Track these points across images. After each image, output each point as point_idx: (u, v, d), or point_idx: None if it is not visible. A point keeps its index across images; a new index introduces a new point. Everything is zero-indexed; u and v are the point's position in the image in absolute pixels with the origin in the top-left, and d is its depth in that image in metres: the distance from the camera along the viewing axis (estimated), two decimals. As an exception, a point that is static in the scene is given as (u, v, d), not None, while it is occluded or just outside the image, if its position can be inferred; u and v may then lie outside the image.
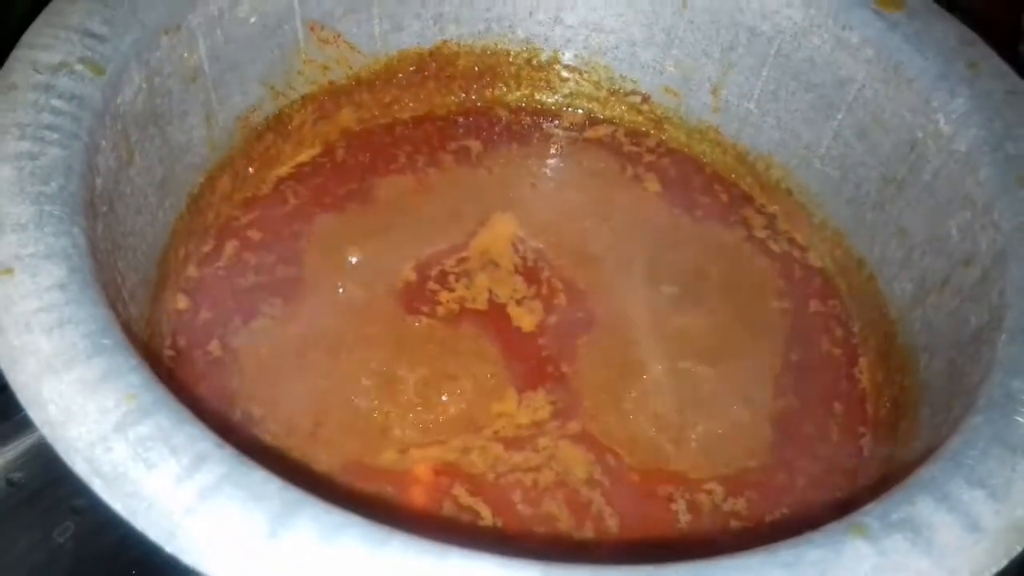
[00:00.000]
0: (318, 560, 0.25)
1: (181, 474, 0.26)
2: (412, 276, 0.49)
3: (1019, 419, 0.31)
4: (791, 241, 0.53)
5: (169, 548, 0.25)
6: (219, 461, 0.26)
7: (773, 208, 0.54)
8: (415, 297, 0.48)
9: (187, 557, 0.24)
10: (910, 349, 0.44)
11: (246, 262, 0.48)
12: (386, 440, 0.42)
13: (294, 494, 0.26)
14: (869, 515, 0.28)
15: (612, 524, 0.41)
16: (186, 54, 0.43)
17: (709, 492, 0.42)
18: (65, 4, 0.39)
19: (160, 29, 0.41)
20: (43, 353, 0.28)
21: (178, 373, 0.44)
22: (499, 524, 0.40)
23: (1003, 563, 0.28)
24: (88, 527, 0.46)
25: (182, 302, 0.46)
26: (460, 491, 0.41)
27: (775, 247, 0.52)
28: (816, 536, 0.27)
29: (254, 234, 0.50)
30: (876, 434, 0.44)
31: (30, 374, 0.27)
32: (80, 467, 0.26)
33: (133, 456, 0.26)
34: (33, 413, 0.27)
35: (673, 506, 0.42)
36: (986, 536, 0.28)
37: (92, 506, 0.46)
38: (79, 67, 0.37)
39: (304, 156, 0.54)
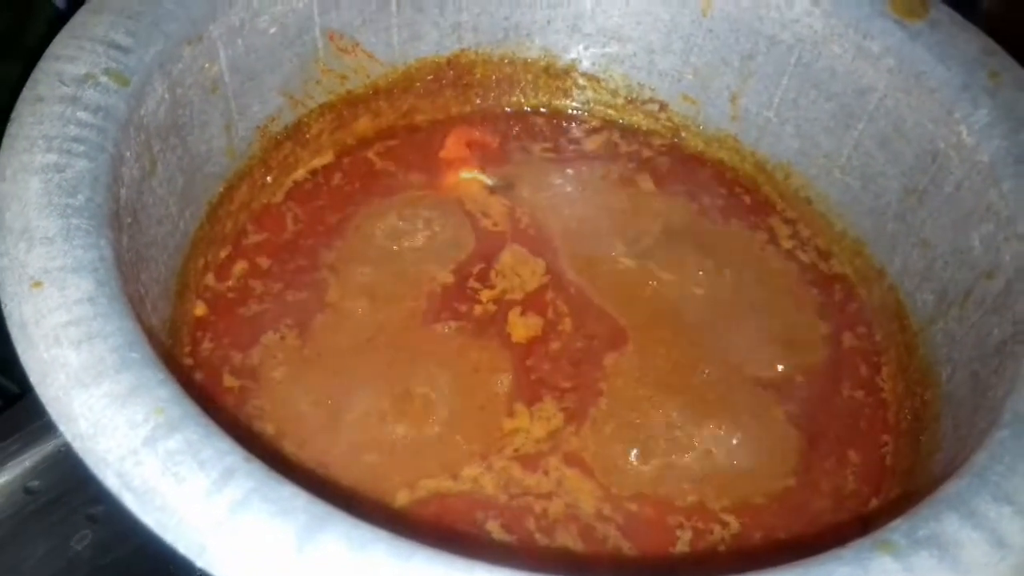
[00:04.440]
0: (345, 574, 0.25)
1: (210, 488, 0.26)
2: (433, 288, 0.49)
3: (1046, 434, 0.31)
4: (815, 248, 0.52)
5: (199, 563, 0.25)
6: (247, 475, 0.26)
7: (793, 215, 0.54)
8: (435, 310, 0.48)
9: (217, 571, 0.25)
10: (931, 361, 0.43)
11: (266, 274, 0.48)
12: (399, 475, 0.42)
13: (321, 508, 0.26)
14: (896, 532, 0.28)
15: (624, 550, 0.41)
16: (207, 64, 0.43)
17: (725, 524, 0.42)
18: (89, 15, 0.39)
19: (183, 40, 0.41)
20: (72, 367, 0.28)
21: (197, 382, 0.44)
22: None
23: (1031, 580, 0.28)
24: (105, 535, 0.46)
25: (201, 309, 0.46)
26: (494, 526, 0.41)
27: (799, 254, 0.52)
28: (844, 553, 0.27)
29: (274, 240, 0.50)
30: (898, 445, 0.44)
31: (60, 388, 0.28)
32: (111, 481, 0.26)
33: (163, 470, 0.26)
34: (64, 427, 0.27)
35: (680, 531, 0.41)
36: (1012, 552, 0.28)
37: (109, 514, 0.46)
38: (104, 78, 0.37)
39: (319, 162, 0.54)
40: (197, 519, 0.25)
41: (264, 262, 0.49)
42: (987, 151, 0.41)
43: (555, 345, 0.47)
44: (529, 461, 0.43)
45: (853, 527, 0.41)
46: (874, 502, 0.43)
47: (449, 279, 0.49)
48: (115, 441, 0.27)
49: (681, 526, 0.41)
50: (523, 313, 0.48)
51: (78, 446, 0.27)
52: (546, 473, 0.42)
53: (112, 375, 0.28)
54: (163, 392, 0.28)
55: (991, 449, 0.31)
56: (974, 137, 0.42)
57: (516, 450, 0.43)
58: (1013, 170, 0.40)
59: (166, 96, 0.41)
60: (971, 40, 0.45)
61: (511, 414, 0.44)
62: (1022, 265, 0.38)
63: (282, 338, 0.45)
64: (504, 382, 0.45)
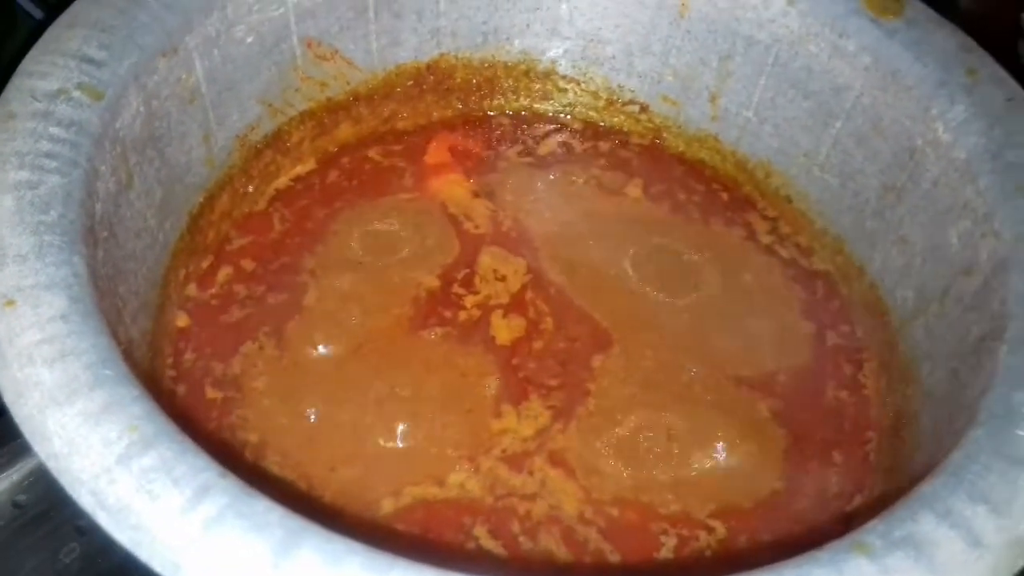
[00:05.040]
0: (322, 589, 0.25)
1: (184, 505, 0.26)
2: (419, 294, 0.49)
3: (1021, 432, 0.31)
4: (796, 245, 0.52)
5: (174, 581, 0.25)
6: (222, 491, 0.26)
7: (775, 214, 0.54)
8: (421, 316, 0.48)
9: (192, 589, 0.25)
10: (912, 358, 0.43)
11: (250, 276, 0.48)
12: (385, 484, 0.42)
13: (297, 523, 0.26)
14: (872, 533, 0.28)
15: (609, 555, 0.41)
16: (184, 76, 0.43)
17: (711, 530, 0.41)
18: (62, 30, 0.39)
19: (157, 52, 0.41)
20: (46, 386, 0.28)
21: (180, 394, 0.44)
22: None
23: (1006, 579, 0.28)
24: (94, 548, 0.46)
25: (183, 320, 0.46)
26: (481, 531, 0.41)
27: (779, 250, 0.52)
28: (820, 555, 0.27)
29: (260, 241, 0.50)
30: (880, 443, 0.44)
31: (34, 407, 0.28)
32: (85, 500, 0.26)
33: (137, 488, 0.26)
34: (38, 446, 0.27)
35: (664, 537, 0.41)
36: (988, 552, 0.28)
37: (97, 527, 0.46)
38: (77, 93, 0.37)
39: (301, 170, 0.54)
40: (171, 537, 0.25)
41: (248, 264, 0.49)
42: (964, 148, 0.42)
43: (538, 344, 0.47)
44: (516, 461, 0.43)
45: (836, 526, 0.41)
46: (857, 499, 0.43)
47: (435, 284, 0.49)
48: (89, 460, 0.27)
49: (665, 532, 0.41)
50: (505, 315, 0.48)
51: (52, 465, 0.27)
52: (531, 473, 0.42)
53: (86, 393, 0.28)
54: (137, 409, 0.28)
55: (967, 448, 0.31)
56: (951, 134, 0.42)
57: (504, 450, 0.43)
58: (990, 167, 0.40)
59: (142, 109, 0.40)
60: (947, 37, 0.45)
61: (498, 414, 0.44)
62: (999, 262, 0.38)
63: (261, 348, 0.45)
64: (491, 386, 0.45)
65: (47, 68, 0.37)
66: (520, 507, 0.41)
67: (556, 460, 0.43)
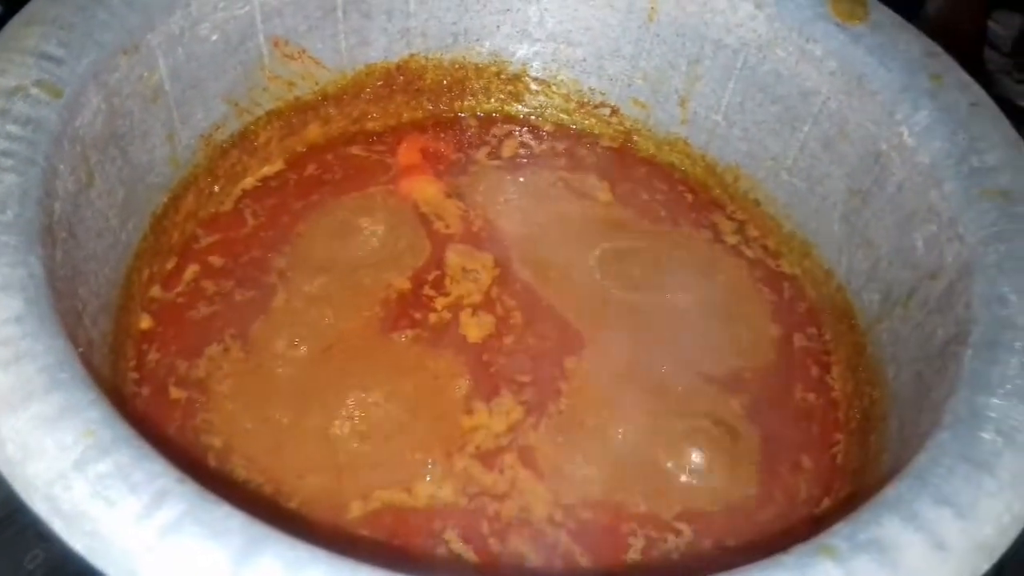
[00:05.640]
0: (283, 597, 0.24)
1: (141, 512, 0.25)
2: (389, 296, 0.48)
3: (985, 436, 0.31)
4: (763, 248, 0.53)
5: (130, 589, 0.24)
6: (180, 497, 0.26)
7: (743, 216, 0.54)
8: (392, 318, 0.47)
9: (148, 598, 0.24)
10: (878, 361, 0.44)
11: (219, 272, 0.48)
12: (354, 489, 0.41)
13: (258, 529, 0.26)
14: (837, 536, 0.28)
15: (578, 557, 0.40)
16: (146, 74, 0.43)
17: (679, 532, 0.41)
18: (20, 27, 0.38)
19: (119, 49, 0.40)
20: (0, 389, 0.27)
21: (142, 396, 0.43)
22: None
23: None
24: (58, 553, 0.45)
25: (146, 322, 0.46)
26: (451, 535, 0.40)
27: (746, 252, 0.53)
28: (786, 558, 0.27)
29: (230, 237, 0.49)
30: (848, 445, 0.44)
31: (-14, 411, 0.27)
32: (40, 506, 0.25)
33: (92, 494, 0.25)
34: (-9, 452, 0.26)
35: (633, 539, 0.41)
36: (952, 555, 0.28)
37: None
38: (35, 90, 0.36)
39: (269, 170, 0.53)
40: (127, 544, 0.25)
41: (217, 260, 0.48)
42: (928, 152, 0.42)
43: (509, 339, 0.47)
44: (488, 457, 0.42)
45: (804, 528, 0.41)
46: (826, 502, 0.43)
47: (406, 285, 0.49)
48: (44, 465, 0.26)
49: (634, 534, 0.41)
50: (475, 313, 0.48)
51: (7, 471, 0.26)
52: (502, 472, 0.42)
53: (41, 396, 0.27)
54: (94, 413, 0.27)
55: (932, 451, 0.31)
56: (915, 138, 0.43)
57: (477, 447, 0.43)
58: (954, 171, 0.41)
59: (102, 107, 0.40)
60: (912, 42, 0.46)
61: (469, 412, 0.44)
62: (963, 266, 0.38)
63: (226, 350, 0.45)
64: (462, 387, 0.45)
65: (4, 65, 0.37)
66: (490, 508, 0.41)
67: (527, 459, 0.43)
